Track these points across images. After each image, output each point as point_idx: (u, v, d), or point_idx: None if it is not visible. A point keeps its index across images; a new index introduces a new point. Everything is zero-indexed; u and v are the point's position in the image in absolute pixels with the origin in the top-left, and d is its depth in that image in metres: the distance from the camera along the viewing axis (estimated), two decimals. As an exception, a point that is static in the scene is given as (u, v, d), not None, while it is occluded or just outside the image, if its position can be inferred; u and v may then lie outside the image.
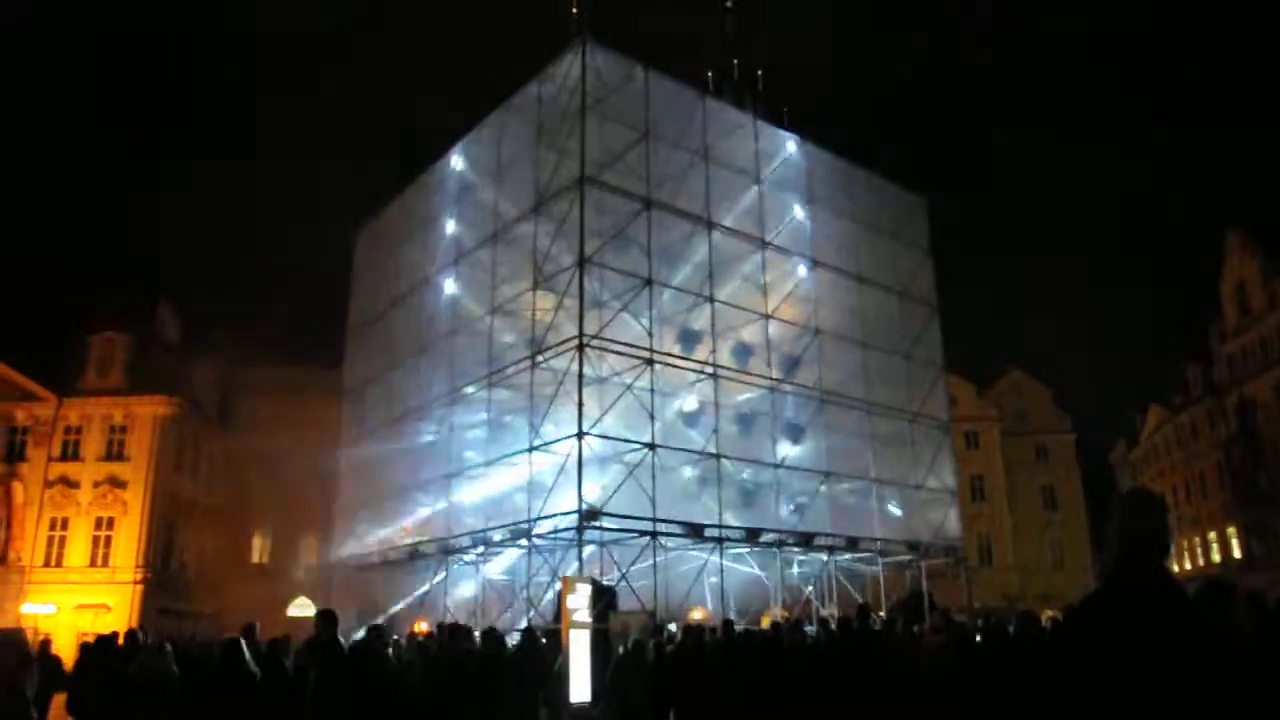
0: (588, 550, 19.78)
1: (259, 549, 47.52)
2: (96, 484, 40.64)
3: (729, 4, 29.56)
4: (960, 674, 9.61)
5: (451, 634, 11.89)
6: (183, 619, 38.29)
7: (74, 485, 40.58)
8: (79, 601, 38.24)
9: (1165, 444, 59.19)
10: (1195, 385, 55.08)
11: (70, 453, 41.31)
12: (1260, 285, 47.67)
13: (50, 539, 39.94)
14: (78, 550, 39.82)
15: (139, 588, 39.01)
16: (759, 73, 28.06)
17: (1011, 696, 7.66)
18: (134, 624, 30.58)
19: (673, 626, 18.39)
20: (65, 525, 40.16)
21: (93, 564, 39.65)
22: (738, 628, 16.68)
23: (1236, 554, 50.00)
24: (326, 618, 10.00)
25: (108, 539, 40.06)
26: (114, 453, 41.35)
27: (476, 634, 14.95)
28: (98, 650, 13.01)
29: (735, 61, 28.18)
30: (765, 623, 23.24)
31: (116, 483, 40.70)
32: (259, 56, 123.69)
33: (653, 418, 20.73)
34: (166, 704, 10.15)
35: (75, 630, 34.15)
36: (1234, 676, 2.74)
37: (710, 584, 22.34)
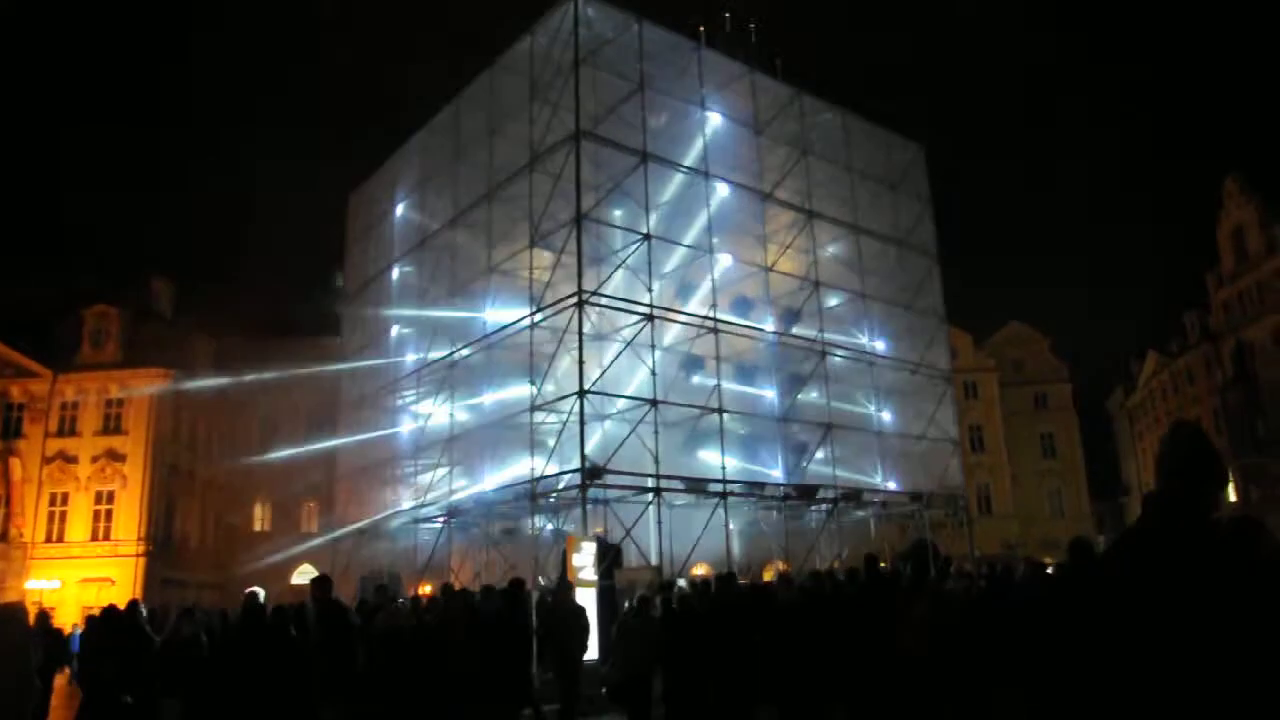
0: (591, 508, 19.71)
1: (260, 517, 47.54)
2: (95, 458, 40.55)
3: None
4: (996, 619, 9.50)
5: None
6: (186, 589, 38.35)
7: (72, 460, 40.49)
8: (83, 576, 38.32)
9: (1162, 389, 59.33)
10: (1192, 331, 55.09)
11: (67, 428, 41.18)
12: (1258, 230, 47.51)
13: (51, 514, 39.94)
14: (79, 525, 39.82)
15: (142, 560, 39.06)
16: (751, 25, 27.51)
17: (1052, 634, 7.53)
18: (138, 596, 30.62)
19: (682, 582, 18.36)
20: (65, 500, 40.13)
21: (94, 538, 39.67)
22: (740, 583, 16.67)
23: (1232, 498, 50.23)
24: (322, 584, 9.88)
25: (108, 513, 40.05)
26: (111, 426, 41.22)
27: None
28: (104, 622, 12.92)
29: (727, 15, 27.64)
30: (768, 576, 23.32)
31: (115, 456, 40.61)
32: (246, 24, 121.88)
33: (654, 373, 20.59)
34: (197, 669, 10.04)
35: (80, 604, 34.22)
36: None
37: (714, 539, 22.30)
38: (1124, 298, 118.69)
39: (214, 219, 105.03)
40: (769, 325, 23.71)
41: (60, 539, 39.58)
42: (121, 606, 13.86)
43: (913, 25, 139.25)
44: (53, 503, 40.08)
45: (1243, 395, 47.99)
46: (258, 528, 47.44)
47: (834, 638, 10.25)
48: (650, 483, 20.26)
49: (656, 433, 20.17)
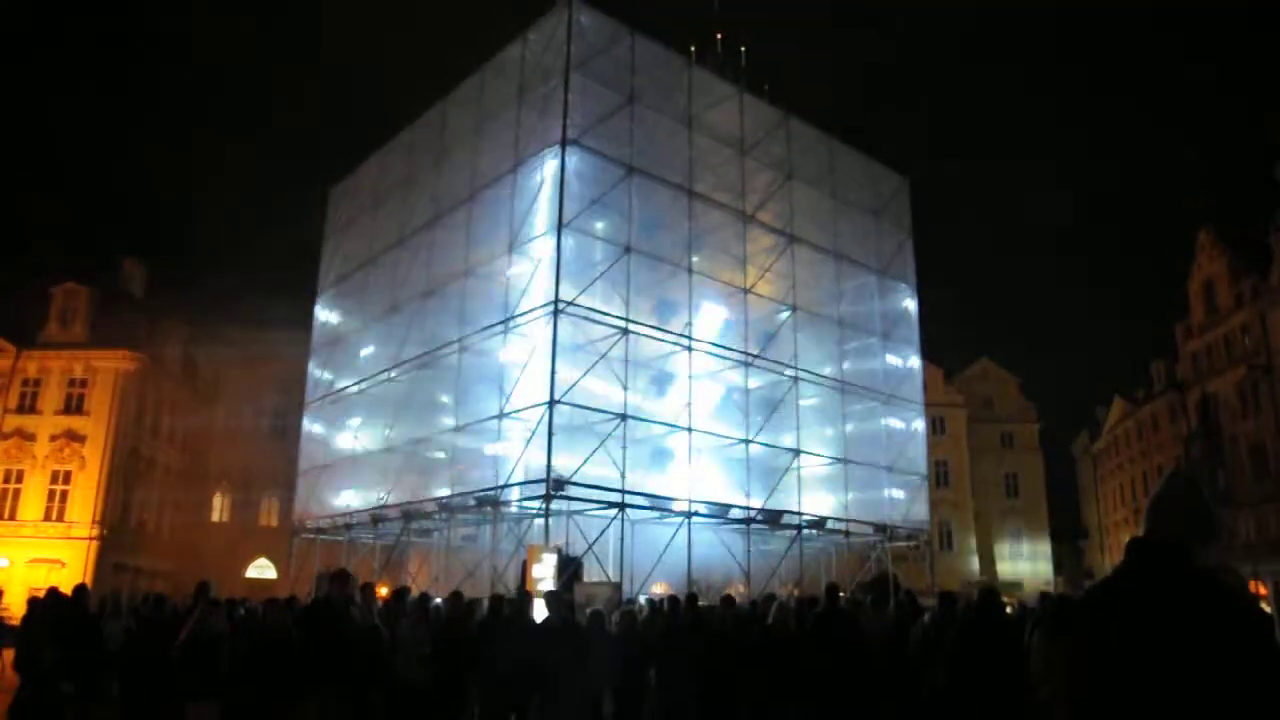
0: (553, 519, 19.54)
1: (219, 508, 46.99)
2: (54, 437, 39.86)
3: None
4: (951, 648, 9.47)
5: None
6: (138, 575, 37.76)
7: (30, 438, 39.79)
8: (32, 556, 37.62)
9: (1127, 436, 59.90)
10: (1159, 379, 55.72)
11: (28, 405, 40.48)
12: (1228, 284, 48.13)
13: (4, 491, 39.21)
14: (32, 504, 39.09)
15: (94, 543, 38.38)
16: (742, 49, 27.64)
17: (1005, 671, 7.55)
18: (88, 580, 30.08)
19: (642, 599, 18.24)
20: (20, 478, 39.39)
21: (47, 518, 38.95)
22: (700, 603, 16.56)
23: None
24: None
25: (64, 493, 39.35)
26: (73, 406, 40.57)
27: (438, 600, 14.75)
28: (47, 606, 12.60)
29: (719, 36, 27.74)
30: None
31: (75, 437, 39.94)
32: (232, 13, 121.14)
33: (625, 388, 20.49)
34: (221, 667, 9.37)
35: (28, 585, 33.55)
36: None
37: (675, 557, 22.21)
38: (1093, 344, 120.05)
39: (193, 205, 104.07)
40: (743, 346, 23.66)
41: (12, 517, 38.83)
42: (69, 590, 13.57)
43: (901, 57, 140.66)
44: (6, 479, 39.36)
45: (1206, 447, 48.49)
46: (216, 518, 46.89)
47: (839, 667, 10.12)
48: (615, 498, 20.14)
49: (624, 448, 20.06)
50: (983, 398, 56.67)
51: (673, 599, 14.36)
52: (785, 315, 24.71)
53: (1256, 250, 45.25)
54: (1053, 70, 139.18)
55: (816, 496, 24.99)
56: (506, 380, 20.90)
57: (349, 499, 27.06)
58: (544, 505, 19.13)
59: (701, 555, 22.44)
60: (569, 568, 18.26)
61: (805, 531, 24.35)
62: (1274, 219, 43.86)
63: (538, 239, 20.78)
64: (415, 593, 15.46)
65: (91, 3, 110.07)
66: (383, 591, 22.15)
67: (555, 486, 19.12)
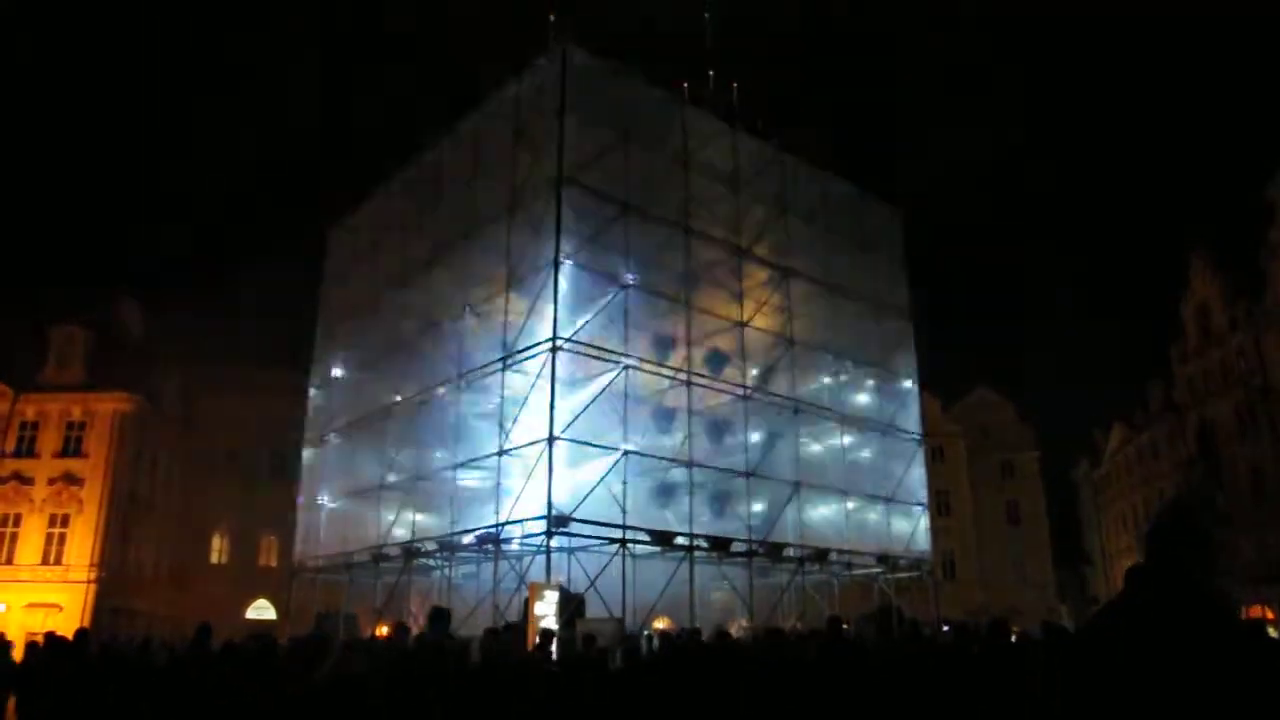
0: (555, 556, 19.50)
1: (218, 549, 46.76)
2: (52, 480, 39.70)
3: (707, 14, 29.47)
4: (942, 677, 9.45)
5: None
6: (136, 619, 37.47)
7: (28, 481, 39.61)
8: (29, 600, 37.34)
9: (1127, 462, 59.76)
10: (1156, 404, 55.70)
11: (25, 448, 40.33)
12: (1222, 307, 48.22)
13: (1, 535, 38.97)
14: (30, 548, 38.86)
15: (92, 587, 38.11)
16: (734, 85, 27.96)
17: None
18: (86, 624, 29.85)
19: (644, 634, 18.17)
20: (18, 522, 39.17)
21: (45, 562, 38.71)
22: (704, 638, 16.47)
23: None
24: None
25: (61, 537, 39.12)
26: (71, 449, 40.43)
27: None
28: (48, 650, 12.55)
29: (711, 73, 28.06)
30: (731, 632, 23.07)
31: (73, 479, 39.79)
32: (229, 52, 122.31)
33: (625, 423, 20.53)
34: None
35: (25, 629, 33.30)
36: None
37: (678, 593, 22.16)
38: (1092, 369, 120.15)
39: (191, 246, 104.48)
40: (741, 380, 23.74)
41: (10, 561, 38.57)
42: (68, 633, 13.50)
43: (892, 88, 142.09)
44: (3, 523, 39.11)
45: (1205, 471, 48.37)
46: (215, 560, 46.65)
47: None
48: (616, 533, 20.11)
49: (625, 483, 20.05)
50: (981, 426, 56.54)
51: (664, 634, 14.32)
52: (782, 348, 24.82)
53: (1249, 272, 45.41)
54: (1047, 94, 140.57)
55: (817, 528, 24.92)
56: (506, 417, 20.94)
57: (349, 537, 26.97)
58: (545, 542, 19.10)
59: (704, 590, 22.40)
60: (571, 604, 18.21)
61: (807, 564, 24.30)
62: (1266, 240, 44.08)
63: (534, 277, 20.90)
64: (415, 631, 15.36)
65: (84, 14, 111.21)
66: (384, 630, 22.14)
67: (556, 523, 19.11)
